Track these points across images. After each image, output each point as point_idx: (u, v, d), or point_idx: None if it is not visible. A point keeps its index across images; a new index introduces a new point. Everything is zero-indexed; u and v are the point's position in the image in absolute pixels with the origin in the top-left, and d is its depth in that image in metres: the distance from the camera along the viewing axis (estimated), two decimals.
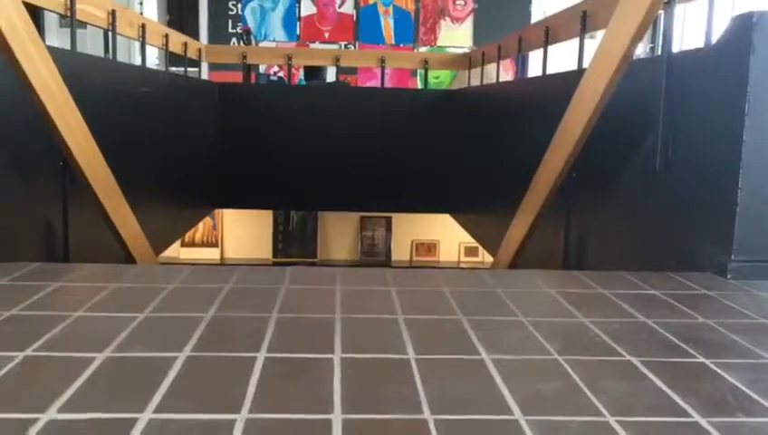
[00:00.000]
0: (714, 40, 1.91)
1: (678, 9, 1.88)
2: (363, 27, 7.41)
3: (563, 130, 2.37)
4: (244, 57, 5.45)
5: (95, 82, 2.95)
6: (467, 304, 1.18)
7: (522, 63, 4.94)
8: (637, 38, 1.88)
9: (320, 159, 5.20)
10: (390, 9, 7.42)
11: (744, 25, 1.37)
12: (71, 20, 2.87)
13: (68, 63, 2.40)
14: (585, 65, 3.12)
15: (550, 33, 3.56)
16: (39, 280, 1.26)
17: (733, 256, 1.38)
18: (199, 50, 5.30)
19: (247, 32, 6.43)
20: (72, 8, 2.85)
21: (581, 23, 3.06)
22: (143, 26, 3.87)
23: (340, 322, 1.06)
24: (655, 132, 1.73)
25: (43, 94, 2.10)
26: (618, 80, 2.00)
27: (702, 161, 1.56)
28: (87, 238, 2.39)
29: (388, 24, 7.44)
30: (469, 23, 7.49)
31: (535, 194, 2.48)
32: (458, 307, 1.16)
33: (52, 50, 2.27)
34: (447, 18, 7.49)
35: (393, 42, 7.45)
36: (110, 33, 3.40)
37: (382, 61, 5.45)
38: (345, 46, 7.40)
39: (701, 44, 1.83)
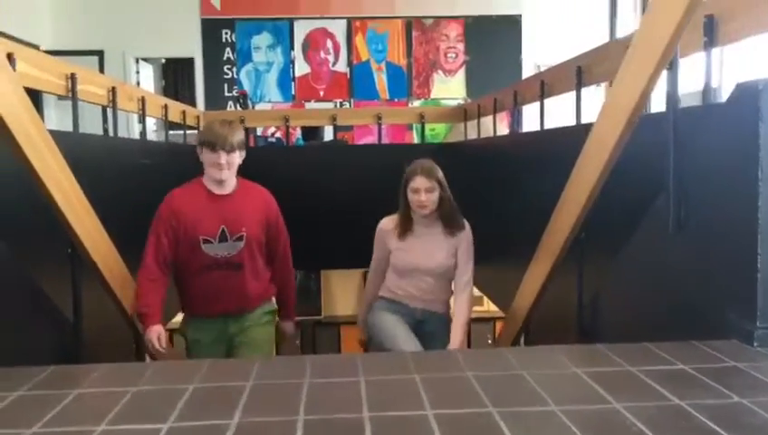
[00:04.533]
0: (716, 98, 1.93)
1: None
2: (357, 84, 7.52)
3: (572, 187, 2.37)
4: (242, 121, 5.50)
5: (97, 160, 2.96)
6: (495, 393, 1.15)
7: (517, 114, 4.98)
8: (647, 93, 1.88)
9: (321, 218, 5.19)
10: (383, 65, 7.54)
11: (749, 93, 1.38)
12: (72, 102, 2.90)
13: (71, 145, 2.41)
14: (583, 120, 3.15)
15: (545, 86, 3.61)
16: (57, 388, 1.23)
17: (758, 323, 1.36)
18: (197, 117, 5.35)
19: (244, 95, 6.50)
20: (73, 90, 2.88)
21: (577, 77, 3.10)
22: (143, 99, 3.92)
23: (370, 423, 1.03)
24: (666, 192, 1.73)
25: (48, 182, 2.10)
26: (627, 136, 2.00)
27: (717, 223, 1.55)
28: (98, 324, 2.37)
29: (381, 80, 7.55)
30: (461, 74, 7.60)
31: (546, 252, 2.46)
32: (487, 397, 1.14)
33: (54, 134, 2.27)
34: (440, 71, 7.60)
35: (388, 96, 7.55)
36: (109, 110, 3.43)
37: (378, 117, 5.50)
38: (340, 104, 7.50)
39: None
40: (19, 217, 2.04)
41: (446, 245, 3.04)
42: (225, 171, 2.68)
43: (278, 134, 7.12)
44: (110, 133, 3.51)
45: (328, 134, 6.81)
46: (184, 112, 4.84)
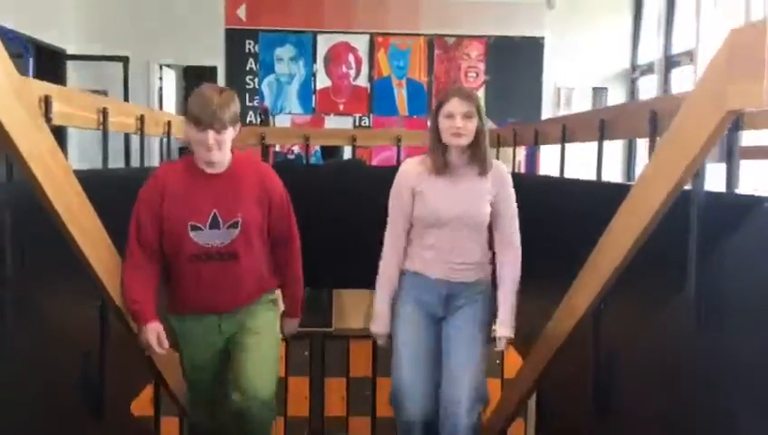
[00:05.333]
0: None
1: None
2: (377, 99, 7.56)
3: (600, 254, 2.23)
4: (263, 138, 5.55)
5: (123, 196, 3.00)
6: None
7: (533, 151, 5.02)
8: (704, 153, 1.69)
9: (335, 237, 5.24)
10: (404, 81, 7.58)
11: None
12: (103, 136, 2.95)
13: (99, 183, 2.41)
14: (604, 175, 3.17)
15: (567, 132, 3.62)
16: None
17: None
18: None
19: (265, 110, 6.55)
20: (104, 124, 2.93)
21: (600, 130, 3.11)
22: (169, 123, 3.97)
23: None
24: (689, 282, 1.75)
25: (74, 230, 2.02)
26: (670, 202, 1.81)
27: (745, 323, 1.57)
28: (126, 379, 2.40)
29: (401, 96, 7.59)
30: (481, 93, 7.62)
31: (566, 314, 2.48)
32: None
33: (80, 174, 2.14)
34: None
35: (407, 113, 7.59)
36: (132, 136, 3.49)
37: (398, 139, 5.54)
38: (360, 118, 7.54)
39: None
40: (51, 267, 2.09)
41: (485, 189, 2.48)
42: (215, 152, 2.23)
43: (296, 147, 7.17)
44: (138, 159, 3.57)
45: (347, 151, 6.86)
46: None
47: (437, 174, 2.44)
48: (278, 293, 2.63)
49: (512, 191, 2.53)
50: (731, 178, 1.81)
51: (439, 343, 2.54)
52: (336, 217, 5.23)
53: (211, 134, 2.20)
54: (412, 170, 2.49)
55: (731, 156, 1.80)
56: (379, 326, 2.61)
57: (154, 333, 2.26)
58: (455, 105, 2.39)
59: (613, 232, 2.12)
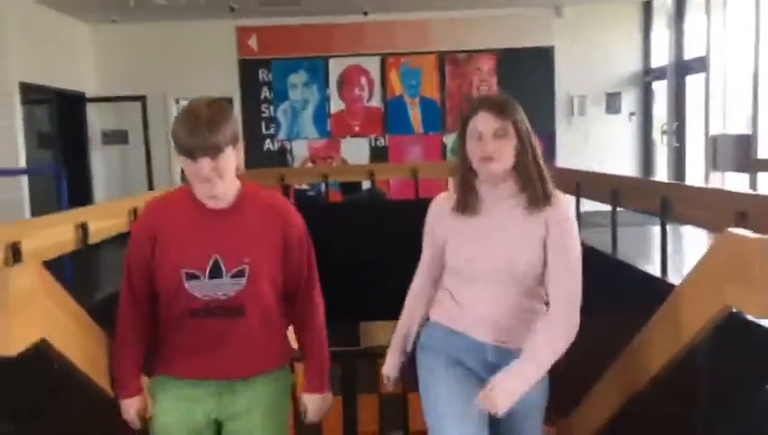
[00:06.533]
0: None
1: None
2: (391, 119, 7.65)
3: (628, 362, 2.11)
4: (283, 179, 5.69)
5: None
6: None
7: None
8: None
9: (359, 271, 5.38)
10: (416, 100, 7.65)
11: None
12: None
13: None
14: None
15: (580, 187, 3.71)
16: None
17: None
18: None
19: (284, 151, 6.68)
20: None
21: (612, 201, 3.18)
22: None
23: None
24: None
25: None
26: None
27: None
28: None
29: (415, 114, 7.67)
30: None
31: (586, 417, 2.51)
32: None
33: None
34: None
35: (422, 130, 7.67)
36: None
37: (414, 173, 5.64)
38: (375, 139, 7.64)
39: None
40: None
41: (534, 229, 1.81)
42: (215, 183, 1.76)
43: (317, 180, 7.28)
44: None
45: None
46: None
47: (468, 214, 1.85)
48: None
49: (570, 233, 1.81)
50: None
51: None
52: (360, 251, 5.37)
53: (206, 162, 1.71)
54: (442, 206, 1.92)
55: None
56: (388, 367, 2.06)
57: (132, 408, 1.91)
58: (482, 121, 1.79)
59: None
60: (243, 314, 1.85)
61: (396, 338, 2.06)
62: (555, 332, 1.76)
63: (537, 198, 1.78)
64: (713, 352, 1.67)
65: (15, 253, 2.33)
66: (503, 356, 1.81)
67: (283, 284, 1.92)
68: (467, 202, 1.84)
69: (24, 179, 5.92)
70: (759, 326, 1.78)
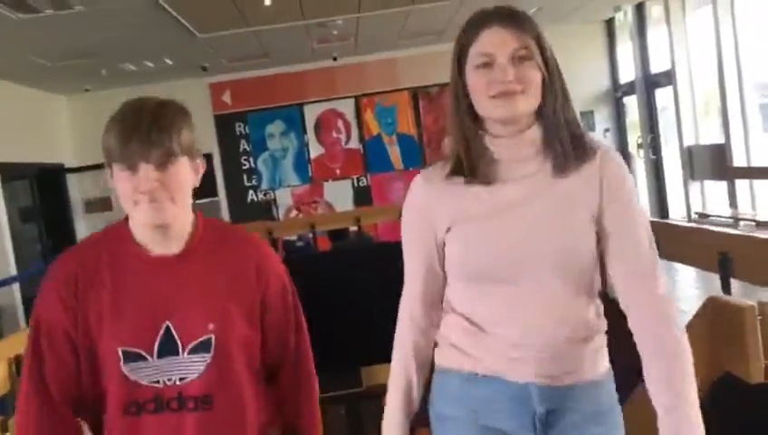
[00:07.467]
0: None
1: None
2: (371, 158, 7.71)
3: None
4: (270, 232, 5.71)
5: None
6: None
7: None
8: None
9: (356, 318, 5.39)
10: (394, 137, 7.72)
11: None
12: None
13: None
14: None
15: None
16: None
17: None
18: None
19: (268, 204, 6.71)
20: None
21: None
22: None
23: None
24: None
25: None
26: None
27: None
28: None
29: (394, 151, 7.74)
30: None
31: None
32: None
33: None
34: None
35: (402, 166, 7.73)
36: None
37: (401, 213, 5.68)
38: (357, 179, 7.69)
39: None
40: None
41: (576, 197, 1.17)
42: (165, 207, 1.19)
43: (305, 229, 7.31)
44: None
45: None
46: None
47: (477, 182, 1.19)
48: None
49: (635, 193, 1.21)
50: None
51: None
52: (354, 297, 5.38)
53: (150, 172, 1.17)
54: (425, 188, 1.26)
55: None
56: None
57: None
58: (494, 41, 1.17)
59: None
60: (209, 405, 1.27)
61: (389, 412, 1.28)
62: (674, 345, 1.14)
63: (577, 150, 1.17)
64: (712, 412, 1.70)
65: None
66: (557, 400, 1.18)
67: (261, 357, 1.34)
68: (476, 164, 1.19)
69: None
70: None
